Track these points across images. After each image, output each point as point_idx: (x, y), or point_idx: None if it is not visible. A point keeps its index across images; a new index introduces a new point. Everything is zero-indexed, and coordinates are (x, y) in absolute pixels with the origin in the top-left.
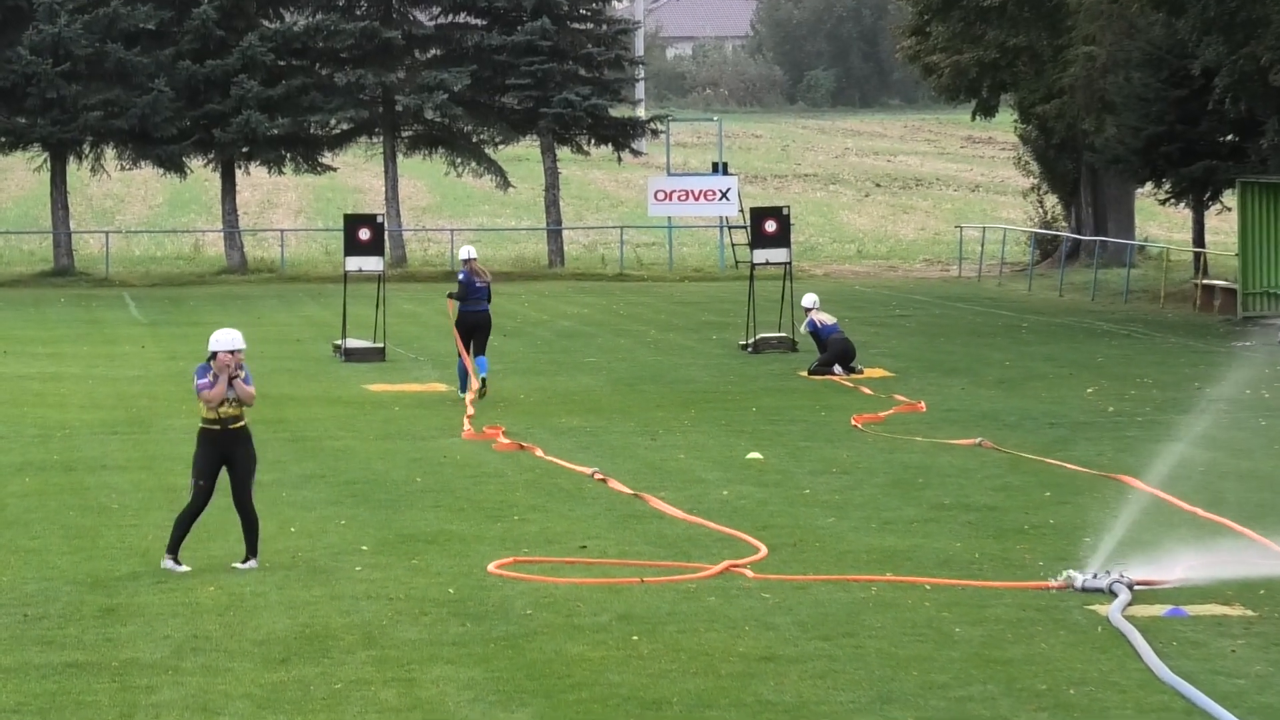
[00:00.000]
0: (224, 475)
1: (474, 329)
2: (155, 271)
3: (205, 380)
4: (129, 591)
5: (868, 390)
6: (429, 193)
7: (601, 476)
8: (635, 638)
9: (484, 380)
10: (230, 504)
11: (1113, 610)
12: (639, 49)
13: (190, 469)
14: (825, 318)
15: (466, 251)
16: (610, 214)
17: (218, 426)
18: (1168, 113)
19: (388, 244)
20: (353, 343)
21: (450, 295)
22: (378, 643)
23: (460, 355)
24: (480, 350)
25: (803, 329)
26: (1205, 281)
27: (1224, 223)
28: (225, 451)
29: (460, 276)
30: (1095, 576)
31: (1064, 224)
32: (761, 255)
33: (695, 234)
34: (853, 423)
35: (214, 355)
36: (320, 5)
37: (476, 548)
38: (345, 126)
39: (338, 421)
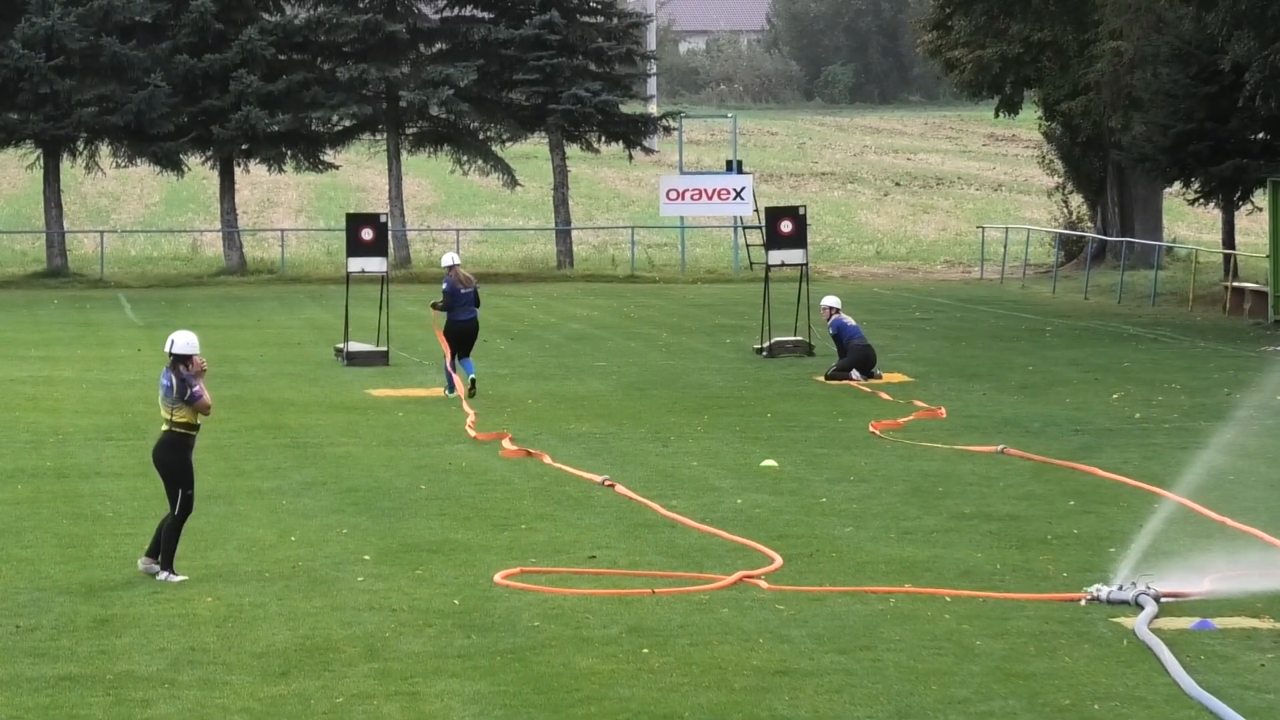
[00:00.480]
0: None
1: (464, 337)
2: (151, 272)
3: (200, 388)
4: (124, 602)
5: (886, 396)
6: (434, 191)
7: (610, 483)
8: (646, 650)
9: (473, 380)
10: (231, 512)
11: (1139, 623)
12: (651, 43)
13: (171, 478)
14: (849, 320)
15: (450, 259)
16: (621, 214)
17: (195, 432)
18: (1197, 110)
19: (391, 244)
20: (355, 346)
21: (434, 305)
22: (380, 655)
23: (446, 359)
24: (466, 354)
25: (828, 328)
26: (1235, 284)
27: (1255, 223)
28: (190, 456)
29: (445, 285)
30: (1121, 588)
31: (1089, 224)
32: (777, 256)
33: (709, 234)
34: (870, 429)
35: (182, 359)
36: None
37: (482, 557)
38: (348, 123)
39: (339, 427)
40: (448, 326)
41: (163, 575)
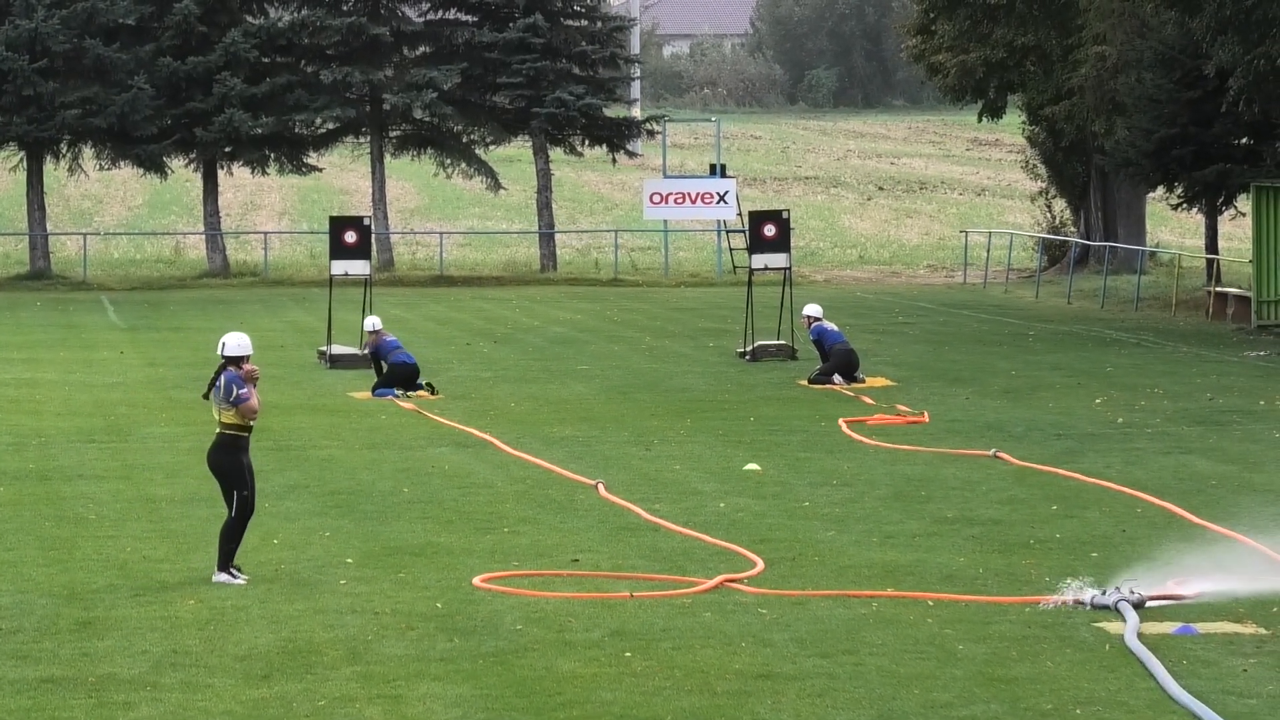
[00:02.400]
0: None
1: (407, 379)
2: (134, 275)
3: (247, 390)
4: (106, 605)
5: (869, 400)
6: (417, 194)
7: (598, 485)
8: (628, 654)
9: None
10: (214, 515)
11: (1128, 633)
12: (635, 47)
13: (223, 480)
14: (831, 326)
15: (372, 324)
16: (604, 217)
17: (246, 433)
18: (1180, 115)
19: (374, 247)
20: (338, 349)
21: (375, 390)
22: (363, 658)
23: (375, 394)
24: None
25: (809, 335)
26: (1218, 289)
27: (1238, 228)
28: (246, 458)
29: (367, 350)
30: (1105, 593)
31: (1073, 229)
32: (760, 260)
33: (692, 238)
34: (841, 424)
35: (233, 360)
36: (306, 0)
37: (465, 561)
38: (331, 126)
39: (322, 430)
40: (391, 372)
41: (218, 577)
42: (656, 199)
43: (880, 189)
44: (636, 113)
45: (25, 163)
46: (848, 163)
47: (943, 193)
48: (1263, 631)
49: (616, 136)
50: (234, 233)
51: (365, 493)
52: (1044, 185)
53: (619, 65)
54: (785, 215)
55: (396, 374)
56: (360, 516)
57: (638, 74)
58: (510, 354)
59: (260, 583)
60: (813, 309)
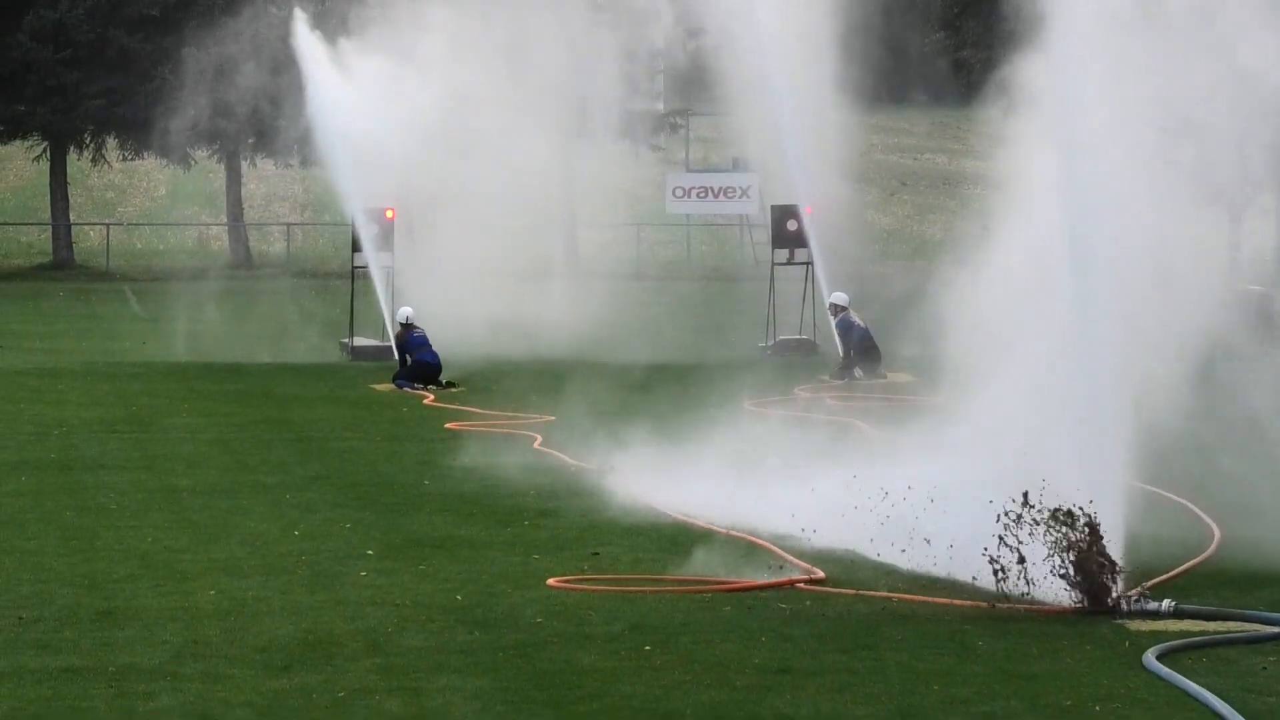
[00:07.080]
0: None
1: (428, 377)
2: (157, 265)
3: None
4: (127, 594)
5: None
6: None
7: (610, 468)
8: (648, 648)
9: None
10: (235, 506)
11: (1146, 657)
12: (658, 40)
13: None
14: (857, 319)
15: (404, 314)
16: (626, 211)
17: None
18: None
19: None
20: (360, 341)
21: (396, 379)
22: (383, 650)
23: (397, 384)
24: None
25: (834, 326)
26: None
27: (1262, 224)
28: None
29: (394, 341)
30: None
31: None
32: (782, 254)
33: (714, 232)
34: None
35: None
36: None
37: (485, 553)
38: None
39: (344, 422)
40: (413, 368)
41: None
42: (679, 193)
43: (903, 184)
44: (659, 106)
45: (49, 153)
46: (871, 157)
47: (965, 188)
48: None
49: (639, 130)
50: (257, 224)
51: (386, 485)
52: None
53: (643, 59)
54: (808, 210)
55: (418, 371)
56: (381, 508)
57: (661, 67)
58: (530, 347)
59: (281, 574)
60: (839, 297)
